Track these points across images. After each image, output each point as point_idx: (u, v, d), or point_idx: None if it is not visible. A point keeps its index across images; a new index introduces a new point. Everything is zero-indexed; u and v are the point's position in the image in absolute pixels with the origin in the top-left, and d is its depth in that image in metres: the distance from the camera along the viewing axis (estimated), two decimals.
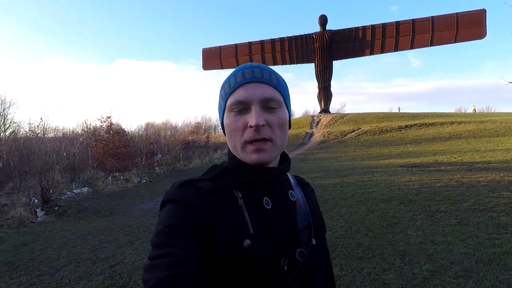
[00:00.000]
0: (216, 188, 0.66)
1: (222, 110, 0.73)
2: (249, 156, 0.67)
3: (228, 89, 0.70)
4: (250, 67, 0.70)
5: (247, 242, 0.61)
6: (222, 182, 0.69)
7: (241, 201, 0.66)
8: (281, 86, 0.71)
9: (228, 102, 0.69)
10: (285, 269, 0.64)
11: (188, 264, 0.54)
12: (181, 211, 0.61)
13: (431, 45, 27.68)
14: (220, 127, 0.78)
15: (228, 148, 0.74)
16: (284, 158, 0.77)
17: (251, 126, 0.65)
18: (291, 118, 0.79)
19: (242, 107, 0.67)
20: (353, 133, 24.24)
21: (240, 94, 0.67)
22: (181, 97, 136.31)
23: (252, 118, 0.65)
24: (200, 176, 0.70)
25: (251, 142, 0.66)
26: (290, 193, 0.74)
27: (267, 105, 0.67)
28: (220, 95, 0.73)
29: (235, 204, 0.65)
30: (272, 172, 0.70)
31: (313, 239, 0.70)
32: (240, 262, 0.61)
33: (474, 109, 41.21)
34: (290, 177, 0.82)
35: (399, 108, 46.88)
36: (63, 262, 4.65)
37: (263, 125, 0.65)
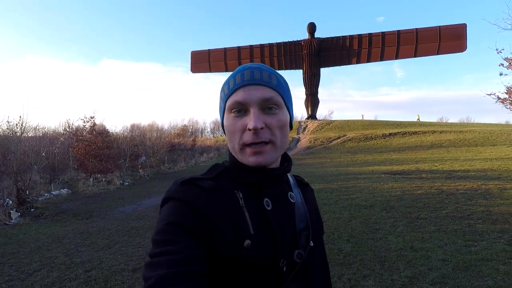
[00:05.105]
0: (218, 187, 0.66)
1: (222, 111, 0.72)
2: (247, 158, 0.67)
3: (227, 90, 0.69)
4: (249, 68, 0.69)
5: (247, 242, 0.61)
6: (223, 181, 0.68)
7: (242, 201, 0.66)
8: (281, 87, 0.70)
9: (228, 104, 0.69)
10: (284, 269, 0.64)
11: (189, 263, 0.54)
12: (183, 209, 0.61)
13: (415, 56, 28.49)
14: (221, 127, 0.78)
15: (229, 149, 0.74)
16: (285, 159, 0.77)
17: (249, 129, 0.65)
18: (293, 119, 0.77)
19: (241, 109, 0.67)
20: (338, 140, 24.57)
21: (238, 96, 0.67)
22: (168, 99, 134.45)
23: (251, 121, 0.64)
24: (201, 175, 0.70)
25: (249, 144, 0.66)
26: (290, 194, 0.75)
27: (266, 107, 0.67)
28: (220, 96, 0.73)
29: (236, 204, 0.65)
30: (273, 173, 0.70)
31: (311, 241, 0.70)
32: (240, 262, 0.61)
33: (418, 118, 42.37)
34: (289, 177, 0.82)
35: (362, 116, 48.63)
36: (35, 266, 4.45)
37: (261, 128, 0.65)
